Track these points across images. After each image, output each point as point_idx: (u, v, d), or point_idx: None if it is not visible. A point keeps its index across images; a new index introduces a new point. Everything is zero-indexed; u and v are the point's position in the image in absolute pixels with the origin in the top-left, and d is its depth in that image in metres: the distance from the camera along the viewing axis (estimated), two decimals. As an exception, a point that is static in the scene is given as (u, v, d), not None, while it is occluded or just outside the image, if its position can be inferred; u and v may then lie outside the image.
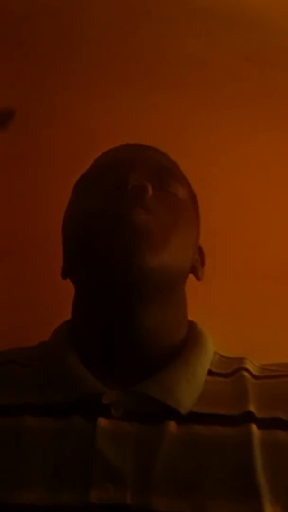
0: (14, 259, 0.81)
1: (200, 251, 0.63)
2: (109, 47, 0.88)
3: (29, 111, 0.84)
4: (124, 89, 0.86)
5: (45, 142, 0.85)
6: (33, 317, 0.78)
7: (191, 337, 0.57)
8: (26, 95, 0.85)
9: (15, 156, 0.85)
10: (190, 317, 0.59)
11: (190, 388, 0.52)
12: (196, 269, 0.60)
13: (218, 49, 0.90)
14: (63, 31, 0.87)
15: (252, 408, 0.51)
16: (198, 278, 0.61)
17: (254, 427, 0.50)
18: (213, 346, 0.58)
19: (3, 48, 0.87)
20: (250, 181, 0.88)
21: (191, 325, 0.59)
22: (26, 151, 0.85)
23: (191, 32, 0.88)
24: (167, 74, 0.89)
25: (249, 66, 0.92)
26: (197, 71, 0.90)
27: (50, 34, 0.88)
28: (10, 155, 0.85)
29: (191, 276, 0.60)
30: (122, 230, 0.51)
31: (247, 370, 0.55)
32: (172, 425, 0.50)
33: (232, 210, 0.85)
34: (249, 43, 0.91)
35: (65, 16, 0.86)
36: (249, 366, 0.56)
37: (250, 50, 0.92)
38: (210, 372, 0.55)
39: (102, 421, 0.49)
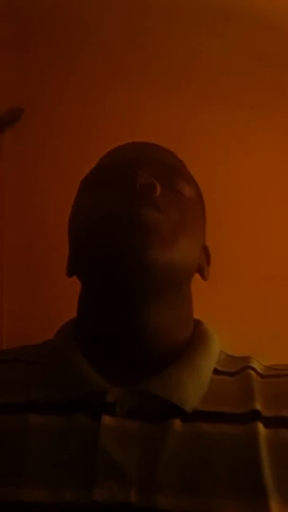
0: (20, 255, 0.82)
1: (206, 251, 0.63)
2: (117, 46, 0.88)
3: (36, 110, 0.85)
4: (132, 87, 0.86)
5: (53, 140, 0.86)
6: (37, 314, 0.78)
7: (197, 336, 0.56)
8: (33, 95, 0.86)
9: (24, 153, 0.86)
10: (195, 316, 0.59)
11: (195, 386, 0.52)
12: (202, 269, 0.60)
13: (228, 49, 0.90)
14: (69, 31, 0.88)
15: (258, 406, 0.51)
16: (204, 277, 0.61)
17: (260, 426, 0.49)
18: (219, 345, 0.58)
19: (11, 50, 0.88)
20: (255, 182, 0.88)
21: (197, 324, 0.58)
22: (34, 148, 0.86)
23: (202, 31, 0.88)
24: (177, 73, 0.89)
25: (259, 65, 0.92)
26: (208, 70, 0.90)
27: (56, 34, 0.88)
28: (19, 152, 0.86)
29: (196, 276, 0.60)
30: (131, 228, 0.50)
31: (253, 369, 0.55)
32: (177, 423, 0.49)
33: (237, 211, 0.85)
34: (260, 43, 0.91)
35: (72, 16, 0.87)
36: (255, 365, 0.56)
37: (260, 50, 0.91)
38: (216, 371, 0.55)
39: (107, 419, 0.49)
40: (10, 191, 0.85)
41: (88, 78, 0.88)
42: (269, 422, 0.50)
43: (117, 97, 0.86)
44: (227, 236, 0.80)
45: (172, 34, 0.88)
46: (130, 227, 0.50)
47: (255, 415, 0.50)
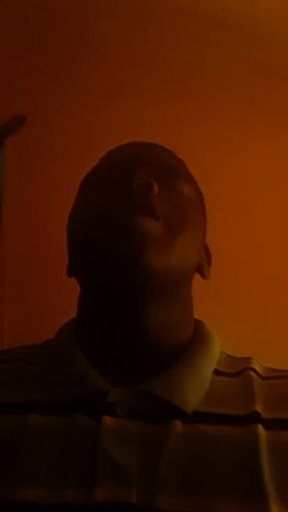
0: (21, 257, 0.83)
1: (207, 250, 0.63)
2: (118, 55, 0.90)
3: (39, 117, 0.87)
4: (132, 95, 0.88)
5: (55, 146, 0.87)
6: (38, 314, 0.78)
7: (198, 336, 0.56)
8: (36, 102, 0.88)
9: (27, 159, 0.87)
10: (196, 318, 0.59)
11: (196, 387, 0.52)
12: (202, 268, 0.60)
13: (226, 58, 0.91)
14: (71, 40, 0.90)
15: (258, 408, 0.51)
16: (204, 277, 0.60)
17: (260, 428, 0.49)
18: (220, 345, 0.58)
19: (14, 59, 0.90)
20: (255, 189, 0.89)
21: (198, 324, 0.58)
22: (37, 154, 0.87)
23: (200, 40, 0.89)
24: (176, 81, 0.90)
25: (256, 75, 0.93)
26: (205, 79, 0.91)
27: (58, 43, 0.90)
28: (22, 158, 0.87)
29: (199, 278, 0.60)
30: (127, 237, 0.50)
31: (253, 370, 0.55)
32: (177, 424, 0.49)
33: (238, 217, 0.86)
34: (257, 52, 0.92)
35: (74, 25, 0.89)
36: (255, 366, 0.56)
37: (258, 60, 0.93)
38: (216, 372, 0.55)
39: (107, 420, 0.49)
40: (12, 196, 0.86)
41: (90, 86, 0.89)
42: (269, 424, 0.50)
43: (118, 105, 0.87)
44: (229, 241, 0.81)
45: (171, 44, 0.90)
46: (125, 236, 0.50)
47: (255, 417, 0.50)
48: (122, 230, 0.50)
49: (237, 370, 0.55)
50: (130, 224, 0.51)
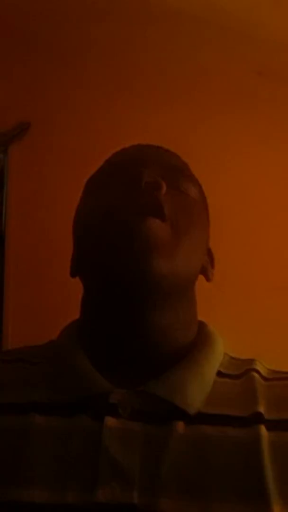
0: (25, 260, 0.83)
1: (209, 253, 0.63)
2: (121, 60, 0.91)
3: (42, 124, 0.88)
4: (135, 100, 0.89)
5: (58, 152, 0.88)
6: (41, 315, 0.79)
7: (201, 338, 0.56)
8: (39, 109, 0.89)
9: (30, 165, 0.89)
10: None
11: (198, 388, 0.51)
12: (206, 270, 0.60)
13: (231, 64, 0.92)
14: (73, 46, 0.91)
15: (261, 409, 0.50)
16: (208, 279, 0.60)
17: (263, 428, 0.49)
18: (223, 348, 0.57)
19: (18, 67, 0.91)
20: (259, 193, 0.89)
21: (201, 326, 0.58)
22: (41, 160, 0.89)
23: (205, 45, 0.90)
24: (180, 87, 0.91)
25: (261, 81, 0.94)
26: (210, 85, 0.92)
27: (61, 50, 0.92)
28: (26, 164, 0.88)
29: (202, 281, 0.60)
30: (136, 239, 0.50)
31: (257, 371, 0.55)
32: (180, 425, 0.49)
33: (241, 222, 0.86)
34: (262, 58, 0.93)
35: (77, 32, 0.90)
36: (259, 367, 0.55)
37: (263, 65, 0.93)
38: (219, 373, 0.54)
39: (109, 420, 0.49)
40: (17, 202, 0.88)
41: (93, 92, 0.90)
42: (272, 425, 0.49)
43: (121, 110, 0.88)
44: (233, 245, 0.81)
45: (176, 49, 0.91)
46: (134, 238, 0.50)
47: (258, 418, 0.50)
48: (130, 232, 0.50)
49: (240, 372, 0.55)
50: (139, 226, 0.50)
